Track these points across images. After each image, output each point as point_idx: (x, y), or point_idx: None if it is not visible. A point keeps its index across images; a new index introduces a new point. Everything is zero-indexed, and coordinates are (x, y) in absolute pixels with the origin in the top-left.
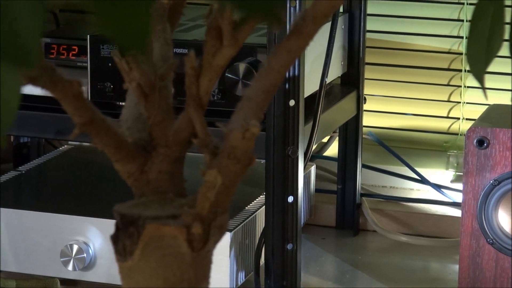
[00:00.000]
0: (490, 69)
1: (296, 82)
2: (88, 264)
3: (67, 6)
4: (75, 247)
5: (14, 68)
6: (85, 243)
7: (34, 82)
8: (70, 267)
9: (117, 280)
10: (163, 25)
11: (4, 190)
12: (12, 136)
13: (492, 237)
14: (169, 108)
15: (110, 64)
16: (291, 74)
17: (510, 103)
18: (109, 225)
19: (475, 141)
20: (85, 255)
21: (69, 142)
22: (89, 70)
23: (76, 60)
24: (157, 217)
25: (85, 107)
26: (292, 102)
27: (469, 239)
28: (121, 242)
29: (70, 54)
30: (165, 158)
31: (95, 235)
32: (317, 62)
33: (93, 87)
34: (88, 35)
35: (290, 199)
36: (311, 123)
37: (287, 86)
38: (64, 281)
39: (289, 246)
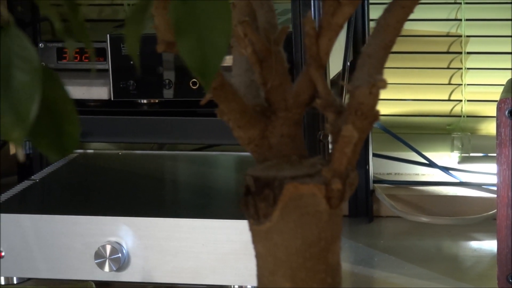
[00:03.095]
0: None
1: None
2: (122, 264)
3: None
4: (109, 248)
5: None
6: (118, 243)
7: (171, 48)
8: (106, 268)
9: (153, 278)
10: None
11: (25, 198)
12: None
13: None
14: (285, 72)
15: (132, 62)
16: None
17: None
18: (140, 222)
19: (506, 112)
20: (119, 255)
21: (74, 151)
22: (110, 70)
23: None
24: (294, 177)
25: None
26: None
27: (506, 209)
28: (252, 206)
29: (83, 57)
30: (285, 122)
31: (127, 234)
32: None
33: (115, 86)
34: (108, 35)
35: None
36: None
37: None
38: (98, 284)
39: None
